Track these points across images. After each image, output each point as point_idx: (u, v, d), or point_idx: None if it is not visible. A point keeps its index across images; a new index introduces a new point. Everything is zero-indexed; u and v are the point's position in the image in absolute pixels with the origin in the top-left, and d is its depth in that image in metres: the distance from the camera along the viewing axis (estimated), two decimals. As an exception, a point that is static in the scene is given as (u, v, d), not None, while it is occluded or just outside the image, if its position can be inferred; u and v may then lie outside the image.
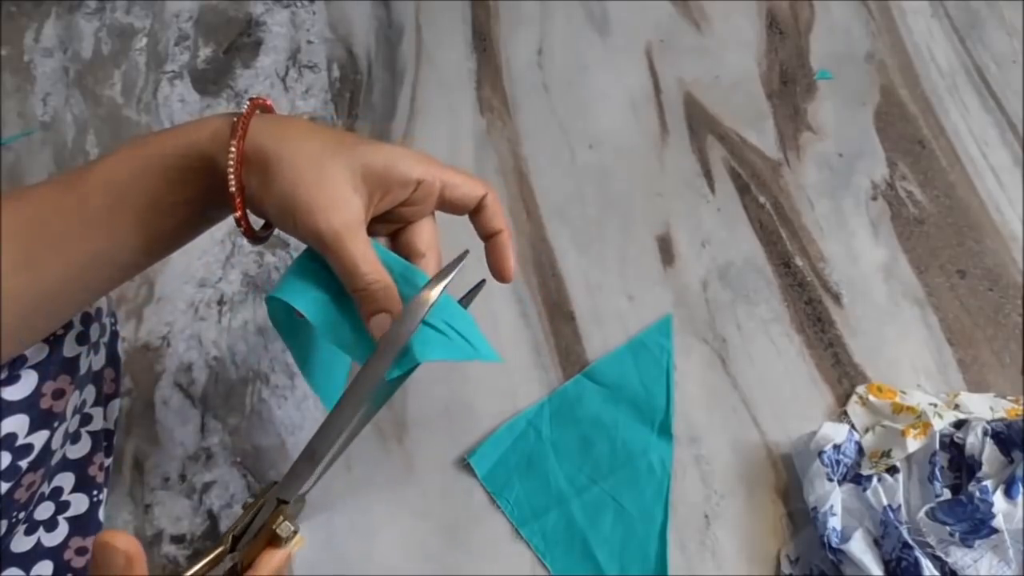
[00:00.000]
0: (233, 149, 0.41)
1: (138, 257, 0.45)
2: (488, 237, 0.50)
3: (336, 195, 0.41)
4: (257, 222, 0.46)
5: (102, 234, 0.43)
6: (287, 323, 0.49)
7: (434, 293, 0.45)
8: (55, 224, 0.42)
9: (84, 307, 0.50)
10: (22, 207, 0.42)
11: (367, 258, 0.42)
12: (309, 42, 0.98)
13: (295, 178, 0.41)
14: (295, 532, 0.46)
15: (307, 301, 0.46)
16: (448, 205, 0.48)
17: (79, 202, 0.42)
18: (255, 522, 0.46)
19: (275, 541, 0.45)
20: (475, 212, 0.49)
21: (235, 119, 0.42)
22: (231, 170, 0.41)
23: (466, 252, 0.49)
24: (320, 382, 0.54)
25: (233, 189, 0.41)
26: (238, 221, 0.44)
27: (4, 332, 0.42)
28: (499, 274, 0.51)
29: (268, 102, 0.46)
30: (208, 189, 0.43)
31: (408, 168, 0.44)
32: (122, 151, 0.44)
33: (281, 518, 0.45)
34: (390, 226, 0.49)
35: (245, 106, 0.43)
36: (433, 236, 0.49)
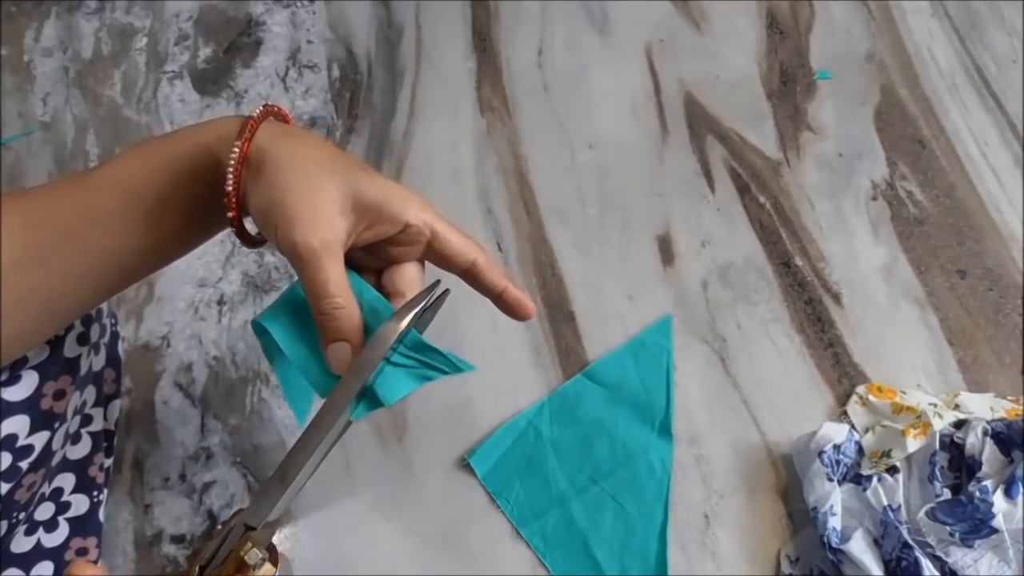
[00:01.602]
0: (236, 149, 0.41)
1: (145, 258, 0.45)
2: (495, 297, 0.49)
3: (321, 212, 0.41)
4: (254, 227, 0.46)
5: (112, 232, 0.43)
6: (271, 345, 0.49)
7: (401, 325, 0.44)
8: (65, 220, 0.42)
9: (90, 308, 0.50)
10: (33, 203, 0.42)
11: (337, 280, 0.42)
12: (309, 42, 0.98)
13: (286, 185, 0.40)
14: (264, 559, 0.44)
15: (282, 328, 0.46)
16: (437, 257, 0.47)
17: (90, 200, 0.42)
18: (222, 549, 0.44)
19: (243, 569, 0.43)
20: (470, 275, 0.48)
21: (246, 120, 0.42)
22: (231, 169, 0.41)
23: (437, 282, 0.48)
24: (296, 402, 0.54)
25: (230, 188, 0.41)
26: (231, 221, 0.43)
27: (12, 329, 0.42)
28: (522, 318, 0.50)
29: (285, 112, 0.46)
30: (215, 189, 0.43)
31: (401, 208, 0.43)
32: (133, 151, 0.44)
33: (249, 544, 0.43)
34: (376, 262, 0.48)
35: (258, 111, 0.43)
36: (416, 279, 0.48)
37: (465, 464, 0.72)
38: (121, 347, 0.61)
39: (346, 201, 0.42)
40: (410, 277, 0.47)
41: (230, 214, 0.43)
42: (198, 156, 0.43)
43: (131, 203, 0.43)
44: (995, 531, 0.58)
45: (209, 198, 0.43)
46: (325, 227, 0.41)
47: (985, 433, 0.63)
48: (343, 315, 0.42)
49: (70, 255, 0.43)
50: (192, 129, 0.44)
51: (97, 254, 0.43)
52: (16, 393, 0.47)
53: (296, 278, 0.44)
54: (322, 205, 0.41)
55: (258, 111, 0.43)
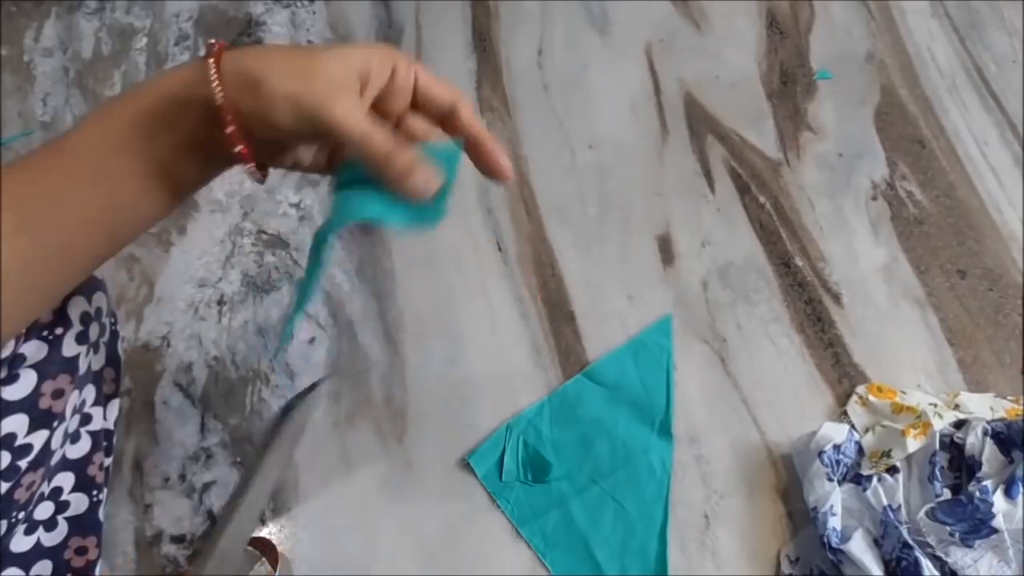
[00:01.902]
0: (213, 72, 0.41)
1: (147, 208, 0.45)
2: (473, 146, 0.48)
3: (333, 84, 0.41)
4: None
5: (97, 191, 0.43)
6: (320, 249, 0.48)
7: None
8: (43, 185, 0.42)
9: (97, 264, 0.49)
10: (9, 175, 0.42)
11: (370, 122, 0.42)
12: (309, 42, 0.98)
13: (291, 74, 0.41)
14: None
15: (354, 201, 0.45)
16: (423, 99, 0.47)
17: (67, 161, 0.42)
18: None
19: None
20: (452, 117, 0.48)
21: (203, 61, 0.42)
22: (216, 87, 0.41)
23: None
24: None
25: (220, 102, 0.41)
26: (241, 155, 0.43)
27: (11, 300, 0.41)
28: (496, 174, 0.49)
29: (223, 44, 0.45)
30: (194, 132, 0.42)
31: (384, 56, 0.44)
32: (98, 113, 0.43)
33: None
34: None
35: (207, 51, 0.43)
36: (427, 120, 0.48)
37: (465, 464, 0.72)
38: (121, 347, 0.61)
39: (340, 68, 0.42)
40: (420, 121, 0.48)
41: (239, 148, 0.42)
42: (170, 102, 0.42)
43: (111, 158, 0.42)
44: (995, 531, 0.58)
45: (190, 143, 0.43)
46: (345, 93, 0.42)
47: (985, 433, 0.63)
48: (401, 146, 0.42)
49: (54, 217, 0.42)
50: (144, 87, 0.43)
51: (84, 213, 0.43)
52: (15, 392, 0.47)
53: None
54: (332, 71, 0.41)
55: (206, 51, 0.42)
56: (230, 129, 0.41)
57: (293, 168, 0.48)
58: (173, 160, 0.44)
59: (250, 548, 0.63)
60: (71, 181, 0.43)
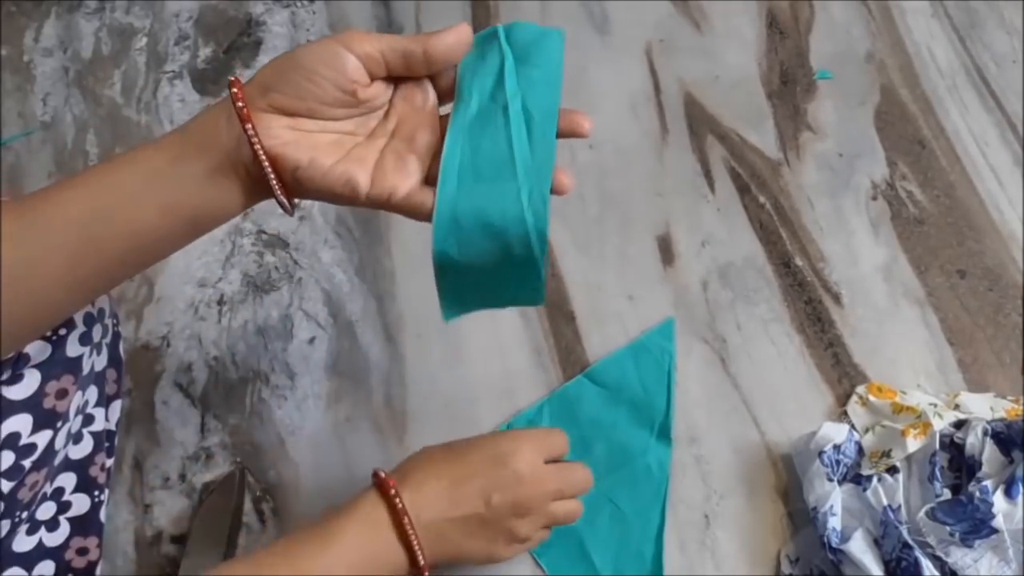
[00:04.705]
0: (269, 169, 0.41)
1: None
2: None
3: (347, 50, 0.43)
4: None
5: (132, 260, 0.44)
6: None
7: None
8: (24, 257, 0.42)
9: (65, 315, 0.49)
10: None
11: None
12: (309, 42, 0.98)
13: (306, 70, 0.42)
14: None
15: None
16: (435, 62, 0.45)
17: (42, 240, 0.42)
18: None
19: None
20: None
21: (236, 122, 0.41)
22: (276, 185, 0.42)
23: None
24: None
25: (278, 189, 0.42)
26: (288, 205, 0.44)
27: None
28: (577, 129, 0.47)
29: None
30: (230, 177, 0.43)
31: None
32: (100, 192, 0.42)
33: None
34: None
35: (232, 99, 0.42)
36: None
37: (465, 464, 0.72)
38: (122, 347, 0.61)
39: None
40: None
41: (288, 202, 0.44)
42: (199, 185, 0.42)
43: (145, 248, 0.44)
44: (995, 531, 0.58)
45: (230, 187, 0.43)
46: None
47: (985, 433, 0.64)
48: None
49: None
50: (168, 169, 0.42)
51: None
52: (18, 392, 0.47)
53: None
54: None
55: (231, 99, 0.42)
56: (288, 201, 0.44)
57: None
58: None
59: None
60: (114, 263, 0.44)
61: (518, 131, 0.44)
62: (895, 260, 0.80)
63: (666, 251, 0.82)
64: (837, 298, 0.79)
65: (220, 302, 0.82)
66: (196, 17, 1.00)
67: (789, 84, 0.91)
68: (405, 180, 0.43)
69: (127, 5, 1.01)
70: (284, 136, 0.42)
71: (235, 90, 0.41)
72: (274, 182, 0.42)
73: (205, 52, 0.98)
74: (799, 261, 0.81)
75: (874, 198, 0.84)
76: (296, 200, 0.45)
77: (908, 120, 0.88)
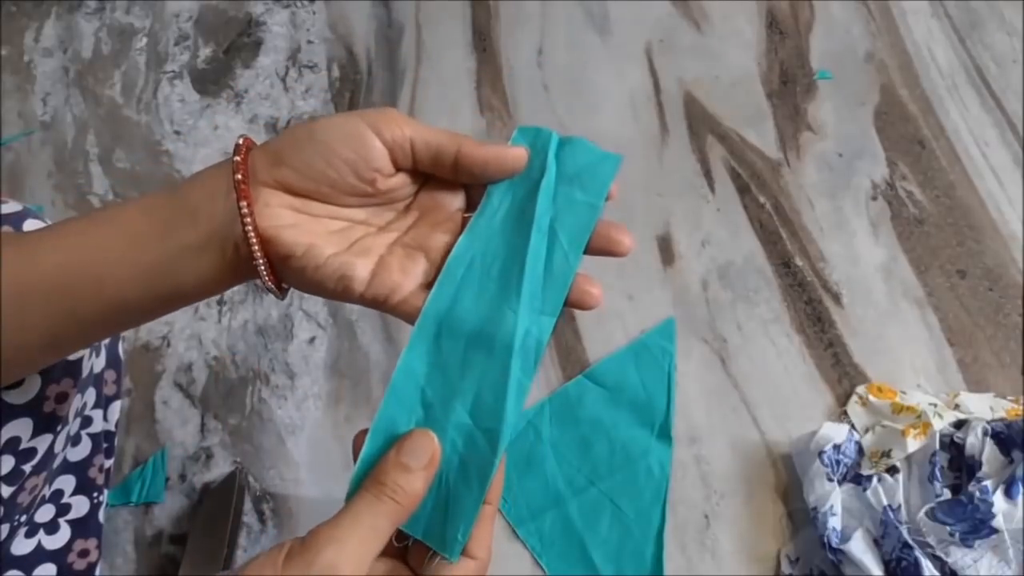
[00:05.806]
0: (260, 259, 0.36)
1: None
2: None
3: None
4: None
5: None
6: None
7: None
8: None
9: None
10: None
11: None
12: (309, 42, 0.98)
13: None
14: None
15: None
16: (465, 171, 0.38)
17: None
18: None
19: None
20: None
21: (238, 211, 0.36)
22: (262, 266, 0.36)
23: None
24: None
25: (264, 272, 0.36)
26: (277, 290, 0.38)
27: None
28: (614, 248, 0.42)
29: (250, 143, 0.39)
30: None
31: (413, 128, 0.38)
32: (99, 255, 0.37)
33: None
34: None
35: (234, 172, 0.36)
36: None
37: (465, 464, 0.72)
38: (121, 348, 0.61)
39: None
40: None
41: (278, 290, 0.38)
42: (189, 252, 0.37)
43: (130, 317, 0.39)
44: (995, 531, 0.58)
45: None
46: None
47: (985, 433, 0.64)
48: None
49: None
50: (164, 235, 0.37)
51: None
52: (18, 396, 0.47)
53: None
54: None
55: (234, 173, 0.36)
56: (278, 290, 0.38)
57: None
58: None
59: None
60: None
61: (534, 256, 0.39)
62: (895, 260, 0.80)
63: (666, 251, 0.82)
64: (837, 298, 0.79)
65: (220, 302, 0.82)
66: (196, 17, 1.00)
67: (789, 84, 0.91)
68: (408, 280, 0.37)
69: (127, 5, 1.01)
70: (284, 217, 0.36)
71: (238, 159, 0.36)
72: (262, 268, 0.36)
73: (205, 52, 0.98)
74: (799, 261, 0.81)
75: (874, 198, 0.84)
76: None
77: (908, 120, 0.88)
